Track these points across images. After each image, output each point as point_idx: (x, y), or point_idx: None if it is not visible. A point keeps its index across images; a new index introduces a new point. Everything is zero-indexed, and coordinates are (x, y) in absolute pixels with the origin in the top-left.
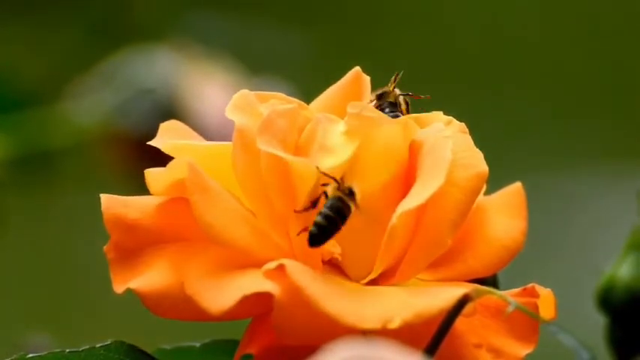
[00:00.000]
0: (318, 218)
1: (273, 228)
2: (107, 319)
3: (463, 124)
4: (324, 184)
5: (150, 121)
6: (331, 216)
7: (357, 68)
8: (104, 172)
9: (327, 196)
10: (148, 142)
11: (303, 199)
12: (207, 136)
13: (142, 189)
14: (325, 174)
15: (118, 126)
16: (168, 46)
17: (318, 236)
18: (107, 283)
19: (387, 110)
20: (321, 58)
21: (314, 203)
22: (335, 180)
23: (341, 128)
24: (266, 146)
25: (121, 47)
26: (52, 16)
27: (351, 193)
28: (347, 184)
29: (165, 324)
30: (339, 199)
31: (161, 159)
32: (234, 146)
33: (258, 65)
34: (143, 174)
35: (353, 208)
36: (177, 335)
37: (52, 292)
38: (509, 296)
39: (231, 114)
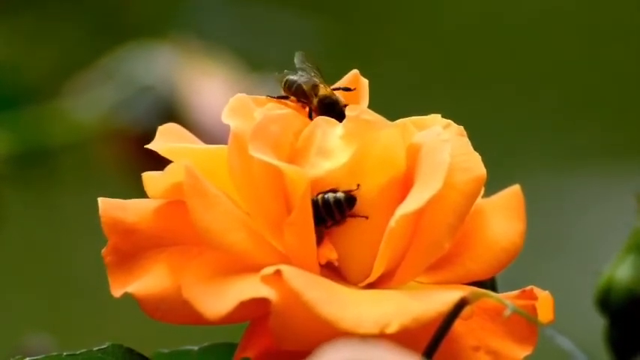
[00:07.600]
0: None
1: (270, 232)
2: (105, 322)
3: (461, 127)
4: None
5: (150, 117)
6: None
7: (355, 71)
8: (104, 169)
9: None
10: (146, 146)
11: (296, 206)
12: (207, 133)
13: (142, 186)
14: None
15: (118, 123)
16: (168, 42)
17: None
18: (106, 285)
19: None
20: (324, 56)
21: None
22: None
23: (339, 132)
24: (257, 153)
25: (121, 44)
26: (52, 12)
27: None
28: (315, 196)
29: (163, 327)
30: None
31: (161, 157)
32: (230, 151)
33: (259, 62)
34: (143, 171)
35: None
36: (176, 338)
37: (50, 293)
38: (507, 299)
39: (227, 118)
